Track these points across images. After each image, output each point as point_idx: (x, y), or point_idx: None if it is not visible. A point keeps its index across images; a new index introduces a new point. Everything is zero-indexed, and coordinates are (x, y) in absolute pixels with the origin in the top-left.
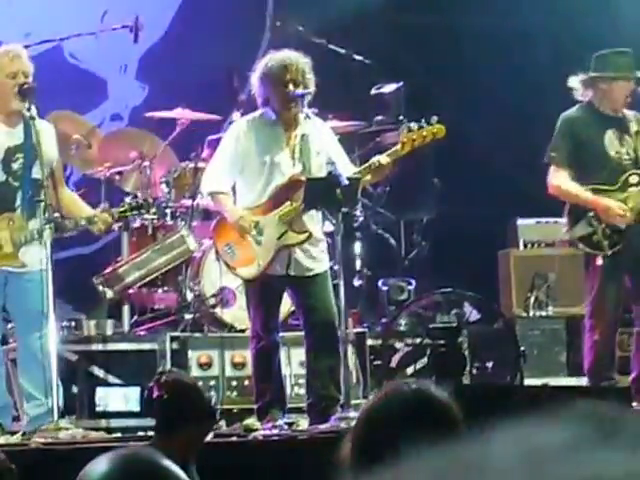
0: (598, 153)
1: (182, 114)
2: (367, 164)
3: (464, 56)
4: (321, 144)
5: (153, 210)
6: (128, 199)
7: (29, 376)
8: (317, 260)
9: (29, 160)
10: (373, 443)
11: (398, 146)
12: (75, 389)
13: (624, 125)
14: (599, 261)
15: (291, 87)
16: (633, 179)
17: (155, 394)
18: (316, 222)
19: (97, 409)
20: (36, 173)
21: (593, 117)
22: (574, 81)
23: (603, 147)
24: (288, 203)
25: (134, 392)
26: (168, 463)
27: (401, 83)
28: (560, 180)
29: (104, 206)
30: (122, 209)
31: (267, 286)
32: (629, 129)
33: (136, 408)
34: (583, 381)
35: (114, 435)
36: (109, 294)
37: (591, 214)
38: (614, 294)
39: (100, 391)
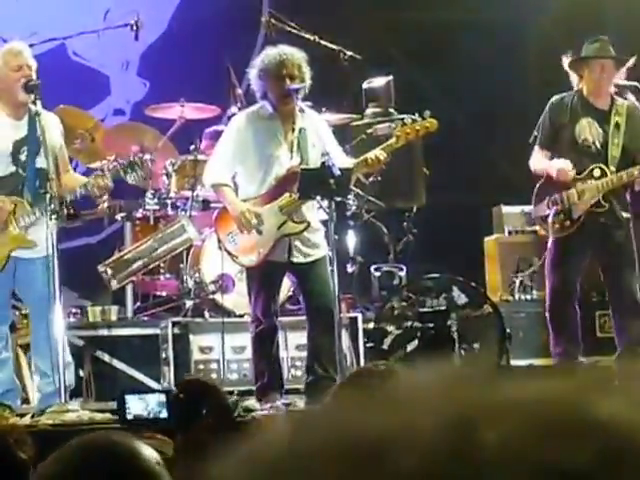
0: (568, 138)
1: (182, 109)
2: (363, 158)
3: (451, 49)
4: (317, 136)
5: (142, 174)
6: (120, 160)
7: (41, 355)
8: (316, 247)
9: (33, 151)
10: None
11: (393, 139)
12: (82, 373)
13: (604, 116)
14: (549, 243)
15: (288, 82)
16: (596, 172)
17: (174, 395)
18: (314, 211)
19: (127, 417)
20: (41, 163)
21: (576, 103)
22: (566, 62)
23: (573, 133)
24: (287, 194)
25: (162, 398)
26: (136, 444)
27: (391, 77)
28: (535, 157)
29: (97, 172)
30: (114, 170)
31: (268, 272)
32: (609, 120)
33: (164, 415)
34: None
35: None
36: (113, 282)
37: (552, 198)
38: (567, 276)
39: (130, 398)
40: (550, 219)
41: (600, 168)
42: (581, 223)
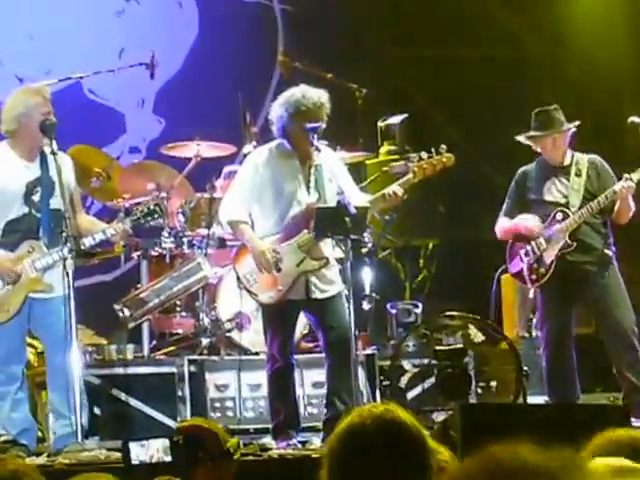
0: (537, 200)
1: (198, 148)
2: (381, 193)
3: (467, 86)
4: (332, 173)
5: (160, 221)
6: (140, 207)
7: (58, 395)
8: (332, 283)
9: (47, 192)
10: (344, 463)
11: (410, 175)
12: (98, 411)
13: (567, 172)
14: (531, 293)
15: (320, 122)
16: (559, 216)
17: (174, 439)
18: (330, 247)
19: (133, 462)
20: (55, 204)
21: (540, 169)
22: (522, 139)
23: (542, 194)
24: (305, 231)
25: (166, 443)
26: None
27: (406, 114)
28: (500, 224)
29: (119, 217)
30: (135, 217)
31: (285, 310)
32: (569, 172)
33: (168, 459)
34: (584, 399)
35: None
36: (129, 320)
37: (523, 251)
38: (559, 325)
39: (134, 446)
40: (525, 272)
41: (562, 211)
42: (557, 269)
